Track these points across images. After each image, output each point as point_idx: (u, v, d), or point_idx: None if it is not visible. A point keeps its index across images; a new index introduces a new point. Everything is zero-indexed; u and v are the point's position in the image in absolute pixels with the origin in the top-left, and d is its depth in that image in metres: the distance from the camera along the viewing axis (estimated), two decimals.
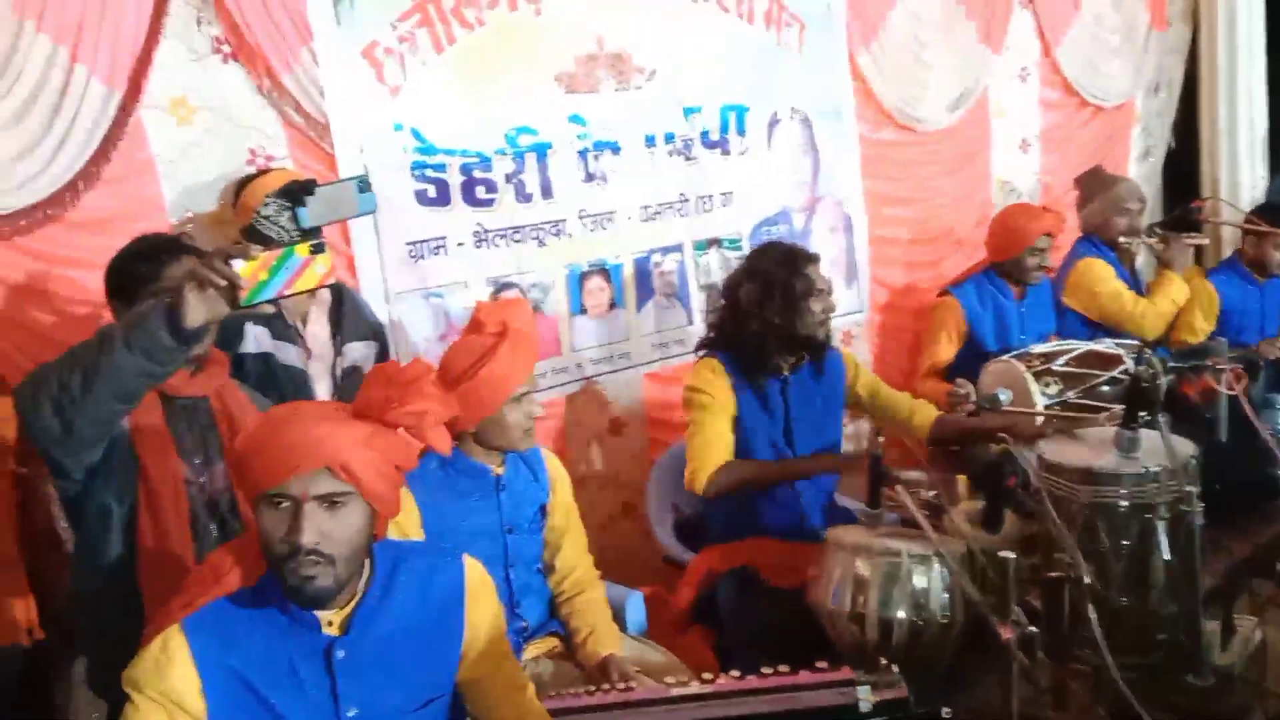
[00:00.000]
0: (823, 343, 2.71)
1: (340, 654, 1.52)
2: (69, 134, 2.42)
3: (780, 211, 3.73)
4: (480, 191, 3.04)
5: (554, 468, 2.34)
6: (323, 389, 2.50)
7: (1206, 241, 4.22)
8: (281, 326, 2.44)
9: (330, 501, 1.43)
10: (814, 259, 2.69)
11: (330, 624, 1.52)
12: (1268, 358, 3.67)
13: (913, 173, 4.13)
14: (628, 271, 3.36)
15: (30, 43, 2.35)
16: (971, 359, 3.48)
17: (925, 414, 2.81)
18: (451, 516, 2.10)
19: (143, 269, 1.90)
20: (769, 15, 3.56)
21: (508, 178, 3.08)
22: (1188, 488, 2.05)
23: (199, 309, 1.53)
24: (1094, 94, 4.69)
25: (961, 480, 3.08)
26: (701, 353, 2.75)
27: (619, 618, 2.43)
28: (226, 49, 2.64)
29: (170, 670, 1.44)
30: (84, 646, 2.11)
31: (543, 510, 2.28)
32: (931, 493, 2.28)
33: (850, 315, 3.99)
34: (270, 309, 2.32)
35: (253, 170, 2.67)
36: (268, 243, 1.69)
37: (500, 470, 2.19)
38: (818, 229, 3.84)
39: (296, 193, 1.92)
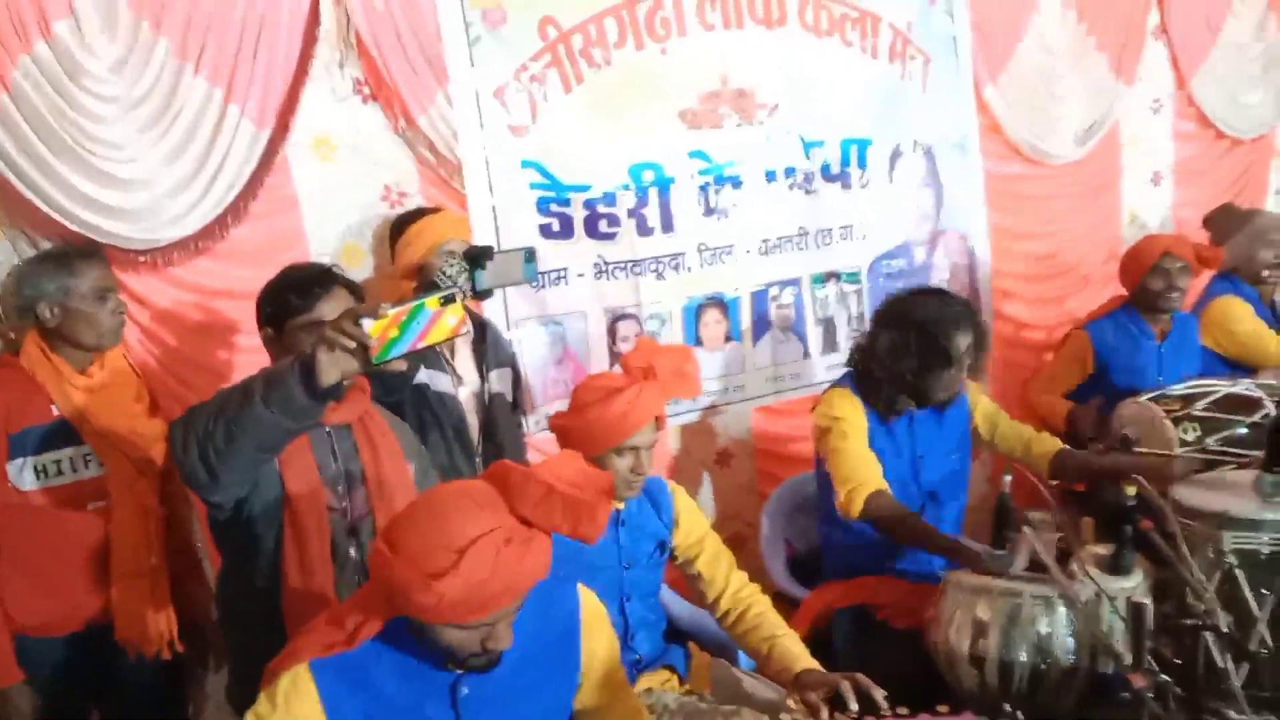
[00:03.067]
0: (945, 405, 2.66)
1: (464, 690, 1.54)
2: (220, 171, 2.60)
3: (901, 245, 3.70)
4: (603, 225, 3.11)
5: (681, 503, 2.33)
6: (472, 413, 2.63)
7: None
8: (433, 357, 2.55)
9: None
10: (965, 324, 2.58)
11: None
12: None
13: (1039, 206, 4.05)
14: (745, 305, 3.38)
15: (189, 85, 2.53)
16: (1098, 393, 3.39)
17: (1045, 445, 2.73)
18: (569, 549, 2.12)
19: (294, 300, 1.96)
20: (893, 49, 3.55)
21: (630, 211, 3.14)
22: None
23: (331, 369, 1.55)
24: (1231, 126, 4.51)
25: (1088, 524, 2.98)
26: (831, 383, 2.74)
27: (729, 654, 2.42)
28: (366, 90, 2.79)
29: (298, 706, 1.48)
30: (230, 662, 2.20)
31: (662, 546, 2.29)
32: (1058, 535, 2.22)
33: None
34: None
35: (387, 207, 2.80)
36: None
37: (620, 505, 2.22)
38: (939, 263, 3.79)
39: (478, 257, 2.07)
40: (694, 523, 2.34)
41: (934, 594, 2.20)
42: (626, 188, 3.13)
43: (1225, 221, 3.87)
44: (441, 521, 1.41)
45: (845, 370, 2.74)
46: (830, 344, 3.58)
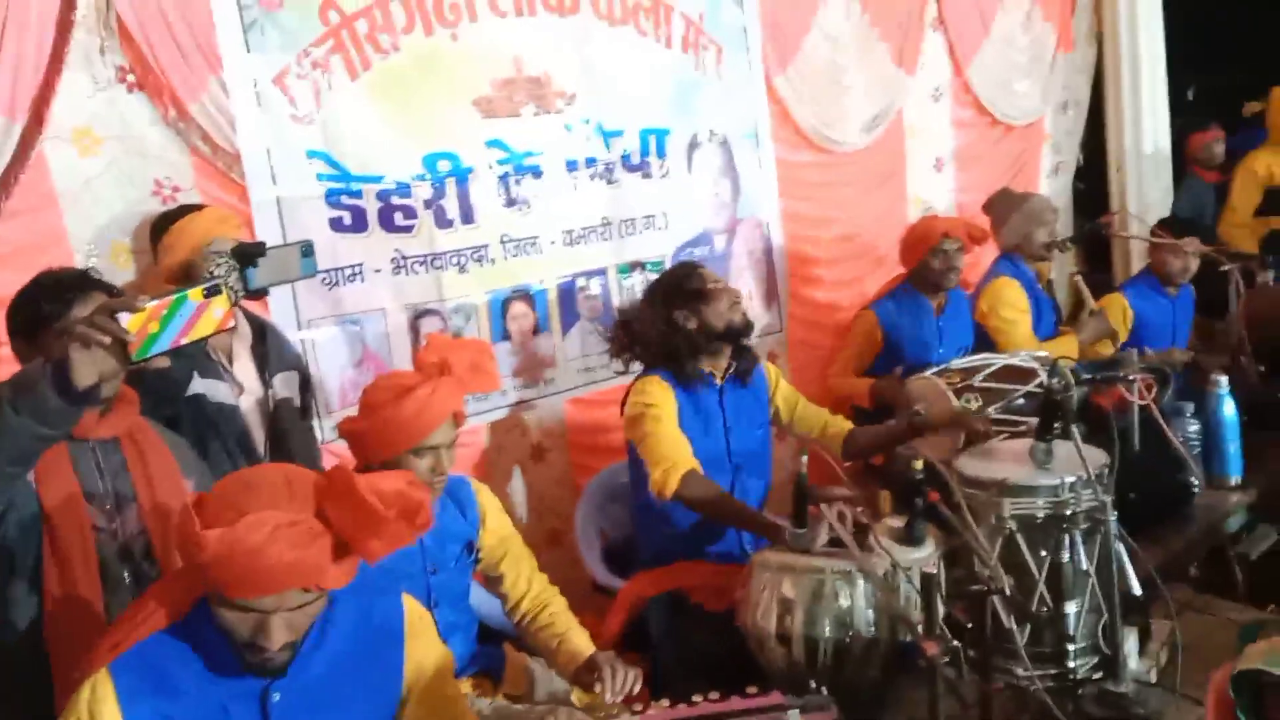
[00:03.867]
0: (746, 331, 2.73)
1: (276, 697, 1.48)
2: None
3: (702, 233, 3.75)
4: (399, 217, 3.00)
5: (485, 500, 2.30)
6: (256, 423, 2.48)
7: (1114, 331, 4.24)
8: (209, 365, 2.39)
9: (299, 606, 1.41)
10: (700, 265, 2.80)
11: None
12: (1174, 368, 3.78)
13: (831, 193, 4.19)
14: (551, 296, 3.35)
15: None
16: (889, 369, 3.55)
17: (839, 426, 2.86)
18: None
19: (46, 307, 1.82)
20: (686, 39, 3.59)
21: (427, 203, 3.04)
22: (1102, 497, 2.10)
23: (88, 369, 1.44)
24: (1005, 113, 4.81)
25: (885, 496, 3.12)
26: (638, 372, 2.76)
27: None
28: (131, 78, 2.58)
29: (99, 715, 1.40)
30: None
31: (469, 547, 2.24)
32: (859, 509, 2.30)
33: (772, 334, 4.02)
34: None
35: (159, 202, 2.60)
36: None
37: None
38: (739, 250, 3.87)
39: (249, 254, 1.99)
40: (499, 521, 2.31)
41: (743, 575, 2.25)
42: (422, 178, 3.02)
43: (1003, 204, 4.11)
44: (243, 486, 1.41)
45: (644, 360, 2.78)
46: None
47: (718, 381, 2.73)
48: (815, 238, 4.19)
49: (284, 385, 2.56)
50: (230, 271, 1.97)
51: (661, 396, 2.62)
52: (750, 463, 2.77)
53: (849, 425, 2.90)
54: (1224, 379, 3.31)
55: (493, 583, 2.32)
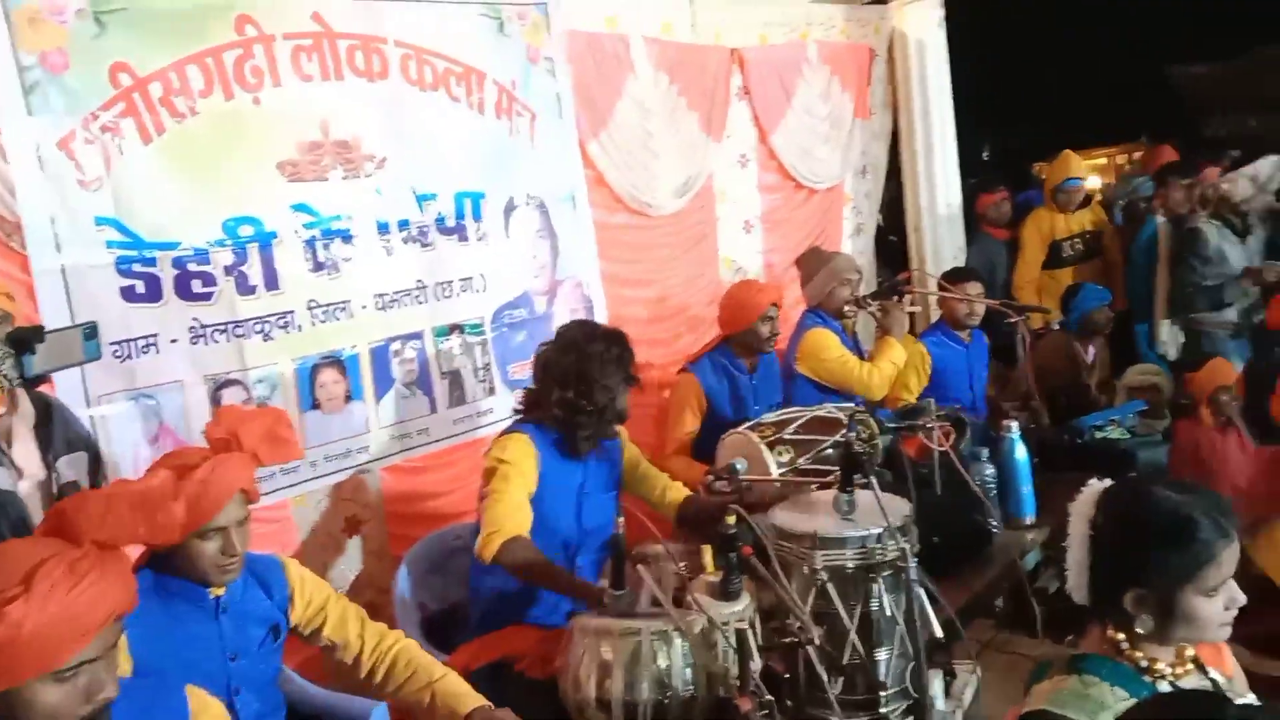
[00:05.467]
0: (620, 422, 2.75)
1: None
2: None
3: (521, 295, 3.75)
4: (197, 285, 2.86)
5: (294, 577, 2.17)
6: (36, 509, 2.28)
7: (919, 309, 4.59)
8: None
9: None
10: (616, 335, 2.75)
11: None
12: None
13: (647, 255, 4.29)
14: (364, 362, 3.26)
15: None
16: (713, 431, 3.61)
17: (676, 493, 2.90)
18: (163, 643, 1.91)
19: None
20: (499, 105, 3.61)
21: (227, 270, 2.92)
22: (903, 545, 2.19)
23: None
24: (807, 177, 5.05)
25: (707, 551, 3.16)
26: (509, 425, 2.73)
27: None
28: None
29: None
30: None
31: (276, 630, 2.12)
32: (681, 564, 2.32)
33: None
34: None
35: None
36: None
37: (221, 591, 2.02)
38: (559, 311, 3.88)
39: (26, 340, 1.87)
40: (313, 592, 2.19)
41: (563, 641, 2.22)
42: (222, 244, 2.90)
43: (812, 262, 4.29)
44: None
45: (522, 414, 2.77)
46: (458, 397, 3.54)
47: (589, 450, 2.73)
48: (634, 298, 4.26)
49: (70, 467, 2.39)
50: (5, 358, 1.82)
51: (522, 455, 2.60)
52: (599, 527, 2.75)
53: (685, 492, 2.95)
54: (1015, 424, 3.53)
55: (327, 652, 2.20)
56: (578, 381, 2.63)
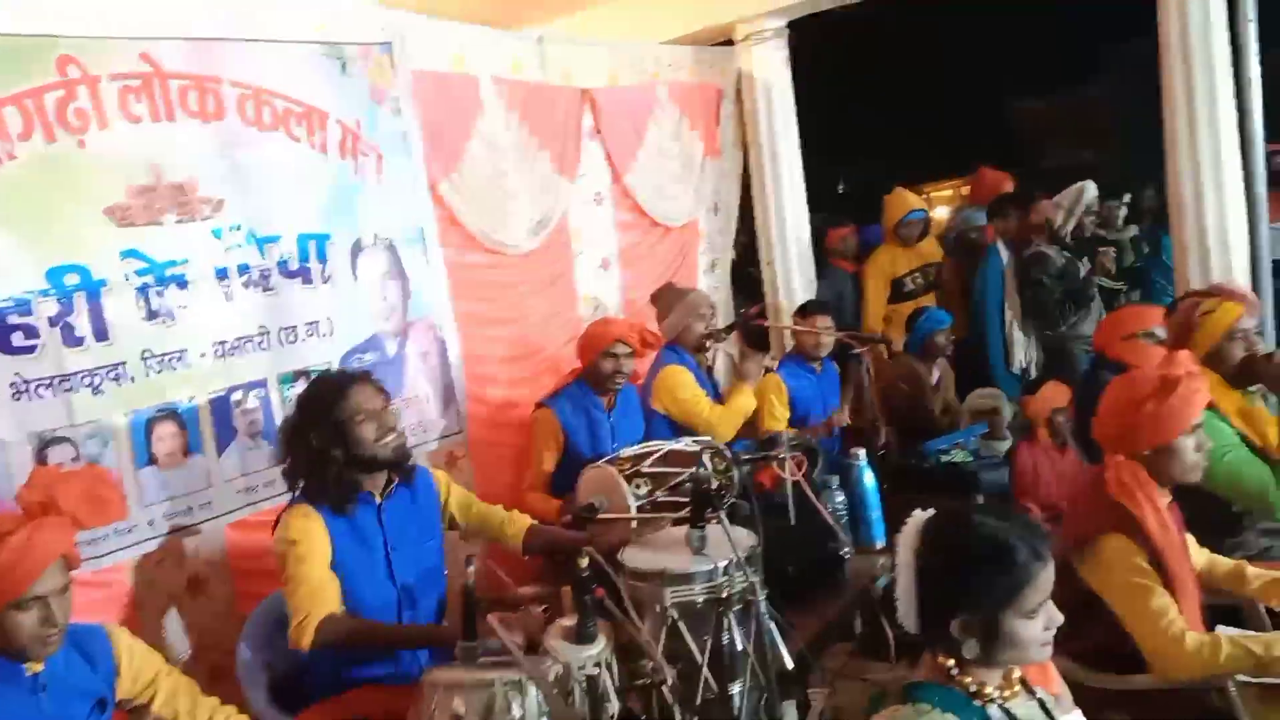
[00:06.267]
0: (400, 461, 2.65)
1: None
2: None
3: (372, 338, 3.66)
4: (17, 338, 2.70)
5: (121, 648, 2.08)
6: None
7: (773, 363, 4.68)
8: None
9: None
10: (360, 379, 2.63)
11: None
12: (839, 426, 4.12)
13: (504, 294, 4.26)
14: (204, 413, 3.12)
15: None
16: (571, 468, 3.60)
17: (519, 525, 2.87)
18: None
19: None
20: (344, 145, 3.54)
21: (52, 320, 2.76)
22: (751, 578, 2.22)
23: None
24: (662, 215, 5.12)
25: (567, 592, 3.14)
26: (289, 498, 2.63)
27: None
28: None
29: None
30: None
31: (101, 704, 2.01)
32: (542, 607, 2.30)
33: (451, 436, 3.98)
34: None
35: None
36: None
37: (39, 666, 1.90)
38: (412, 353, 3.82)
39: None
40: (142, 663, 2.10)
41: (414, 697, 2.16)
42: (46, 293, 2.74)
43: (666, 298, 4.37)
44: None
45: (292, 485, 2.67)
46: None
47: (377, 499, 2.65)
48: (493, 337, 4.22)
49: None
50: None
51: (306, 530, 2.51)
52: (420, 578, 2.69)
53: (528, 521, 2.93)
54: (862, 451, 3.64)
55: None
56: (318, 436, 2.55)
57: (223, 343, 3.17)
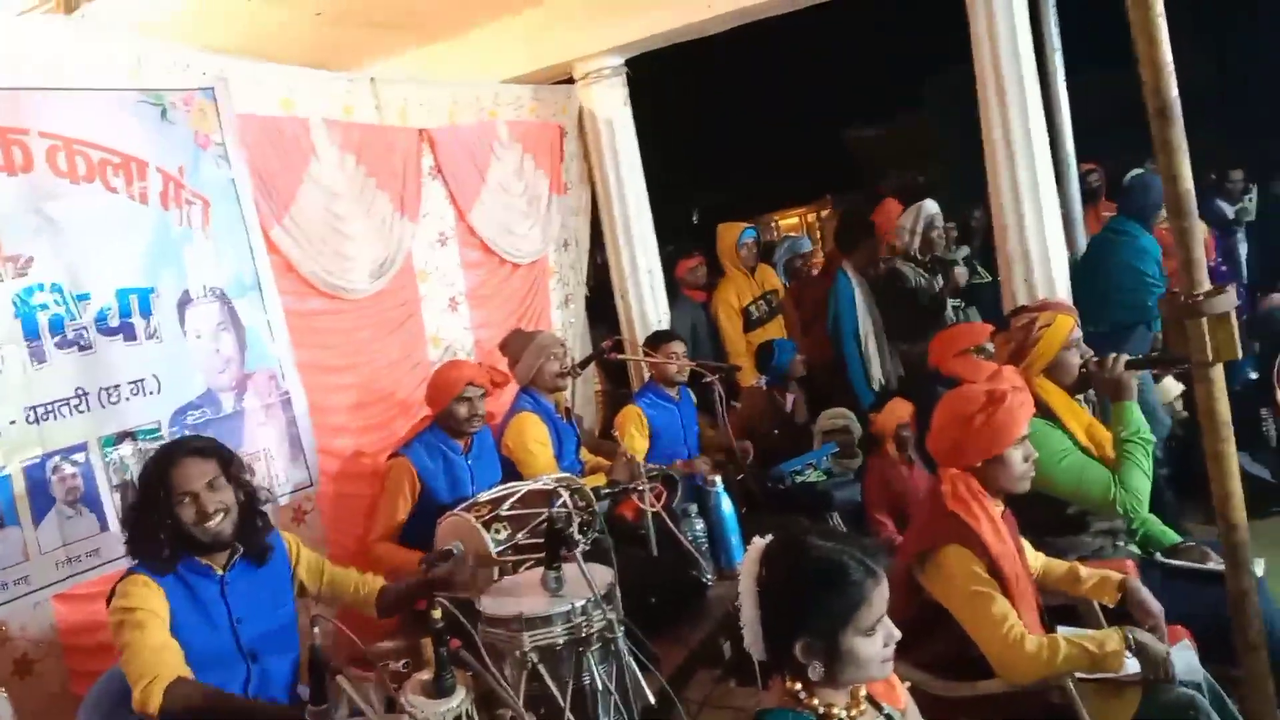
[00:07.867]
0: (218, 549, 2.52)
1: None
2: None
3: (205, 393, 3.48)
4: None
5: None
6: None
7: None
8: None
9: None
10: (181, 456, 2.49)
11: None
12: (700, 472, 4.12)
13: (347, 339, 4.13)
14: (17, 482, 2.90)
15: None
16: (428, 516, 3.49)
17: (371, 587, 2.78)
18: None
19: None
20: (166, 195, 3.37)
21: None
22: (609, 615, 2.19)
23: None
24: (509, 253, 5.08)
25: (428, 644, 3.04)
26: (125, 566, 2.48)
27: None
28: None
29: None
30: None
31: None
32: (402, 662, 2.22)
33: (300, 490, 3.82)
34: None
35: None
36: None
37: None
38: (252, 407, 3.64)
39: None
40: None
41: None
42: None
43: (516, 343, 4.32)
44: None
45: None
46: None
47: (218, 573, 2.51)
48: (338, 384, 4.09)
49: None
50: None
51: (144, 598, 2.38)
52: (271, 646, 2.56)
53: (380, 582, 2.84)
54: (719, 478, 3.67)
55: None
56: (146, 513, 2.45)
57: (35, 407, 2.96)
